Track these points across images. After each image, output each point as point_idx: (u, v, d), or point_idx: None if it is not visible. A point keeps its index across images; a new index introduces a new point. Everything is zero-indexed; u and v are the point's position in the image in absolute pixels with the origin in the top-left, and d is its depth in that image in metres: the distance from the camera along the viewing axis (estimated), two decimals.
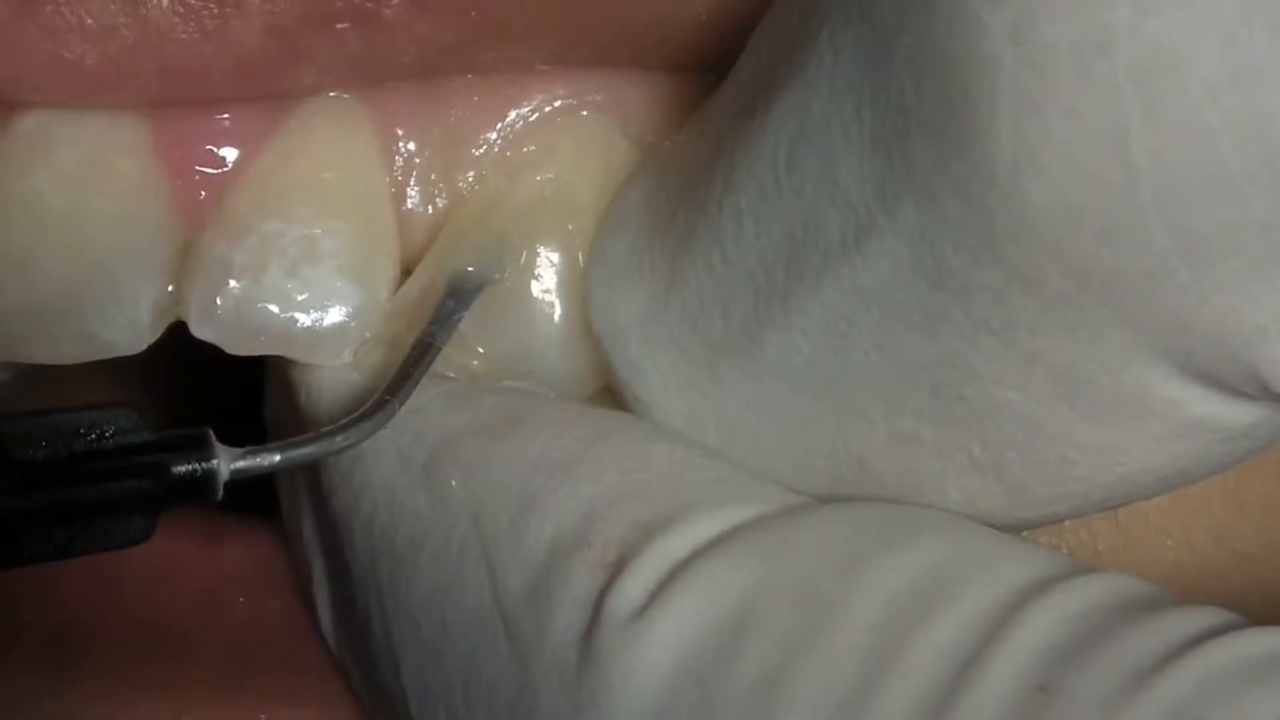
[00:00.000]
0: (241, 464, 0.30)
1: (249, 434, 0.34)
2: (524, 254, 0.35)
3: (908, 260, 0.27)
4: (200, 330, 0.34)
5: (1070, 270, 0.26)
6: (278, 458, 0.31)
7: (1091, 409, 0.27)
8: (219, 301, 0.34)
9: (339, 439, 0.31)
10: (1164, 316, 0.26)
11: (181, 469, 0.29)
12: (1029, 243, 0.26)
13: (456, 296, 0.34)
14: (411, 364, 0.33)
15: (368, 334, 0.35)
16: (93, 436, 0.29)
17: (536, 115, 0.35)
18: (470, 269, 0.35)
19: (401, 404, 0.32)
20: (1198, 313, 0.25)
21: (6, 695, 0.37)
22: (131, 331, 0.34)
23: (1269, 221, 0.24)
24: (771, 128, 0.29)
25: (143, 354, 0.34)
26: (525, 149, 0.35)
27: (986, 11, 0.25)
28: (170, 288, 0.34)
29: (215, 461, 0.30)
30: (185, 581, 0.37)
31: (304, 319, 0.34)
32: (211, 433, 0.30)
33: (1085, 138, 0.24)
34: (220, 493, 0.30)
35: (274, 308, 0.34)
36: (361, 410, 0.32)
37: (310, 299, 0.34)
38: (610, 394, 0.35)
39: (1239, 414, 0.27)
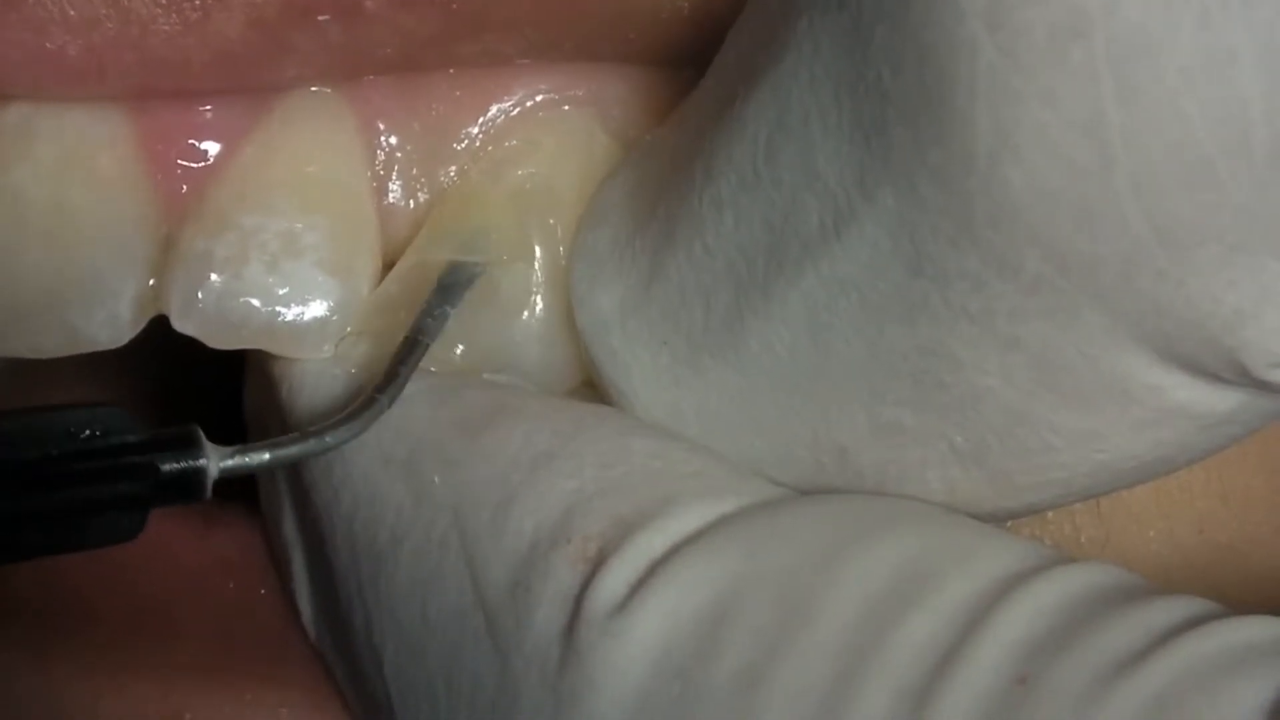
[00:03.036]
0: (230, 463, 0.30)
1: (229, 429, 0.34)
2: (506, 248, 0.35)
3: (887, 247, 0.27)
4: (181, 324, 0.34)
5: (1048, 255, 0.26)
6: (267, 456, 0.31)
7: (1072, 395, 0.27)
8: (200, 295, 0.34)
9: (328, 437, 0.31)
10: (1142, 301, 0.26)
11: (170, 468, 0.29)
12: (1007, 228, 0.26)
13: (444, 293, 0.34)
14: (400, 361, 0.33)
15: (349, 328, 0.35)
16: (83, 436, 0.28)
17: (518, 110, 0.35)
18: (457, 266, 0.35)
19: (390, 402, 0.32)
20: (1175, 297, 0.25)
21: None
22: (112, 325, 0.34)
23: (1246, 205, 0.24)
24: (751, 117, 0.29)
25: (123, 348, 0.34)
26: (507, 143, 0.35)
27: None
28: (151, 282, 0.34)
29: (204, 460, 0.29)
30: (174, 563, 0.37)
31: (285, 313, 0.34)
32: (200, 431, 0.30)
33: (1061, 122, 0.24)
34: (209, 492, 0.30)
35: (255, 302, 0.34)
36: (350, 409, 0.32)
37: (291, 293, 0.34)
38: (592, 387, 0.35)
39: (1219, 400, 0.27)
